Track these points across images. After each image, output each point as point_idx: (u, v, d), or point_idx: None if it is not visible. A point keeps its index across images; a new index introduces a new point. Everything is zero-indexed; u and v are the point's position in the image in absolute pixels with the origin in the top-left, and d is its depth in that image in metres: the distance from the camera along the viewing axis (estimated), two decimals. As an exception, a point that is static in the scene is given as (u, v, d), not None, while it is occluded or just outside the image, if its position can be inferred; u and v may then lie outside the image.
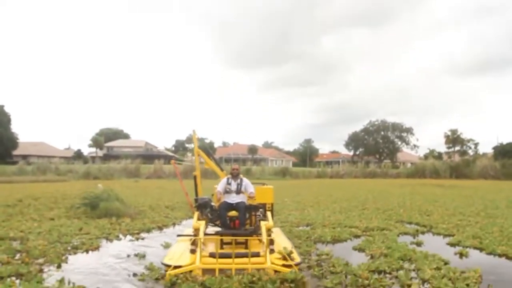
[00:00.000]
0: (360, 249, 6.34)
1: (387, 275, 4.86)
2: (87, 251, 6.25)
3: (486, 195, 16.94)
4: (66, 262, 5.46)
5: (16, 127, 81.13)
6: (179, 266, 4.62)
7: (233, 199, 6.01)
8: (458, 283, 4.41)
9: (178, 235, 6.36)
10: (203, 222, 5.59)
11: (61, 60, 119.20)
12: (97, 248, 6.46)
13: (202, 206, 5.98)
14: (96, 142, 65.42)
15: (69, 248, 6.30)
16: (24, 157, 53.36)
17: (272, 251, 4.91)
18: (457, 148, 55.43)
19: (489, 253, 6.10)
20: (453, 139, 54.80)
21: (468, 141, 55.35)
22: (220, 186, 6.17)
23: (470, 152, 54.01)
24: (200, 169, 7.24)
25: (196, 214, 5.90)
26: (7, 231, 7.45)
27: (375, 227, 8.27)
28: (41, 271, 4.99)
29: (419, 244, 6.77)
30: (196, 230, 5.43)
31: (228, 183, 6.16)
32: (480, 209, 11.58)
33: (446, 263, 5.32)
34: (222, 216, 5.83)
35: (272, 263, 4.67)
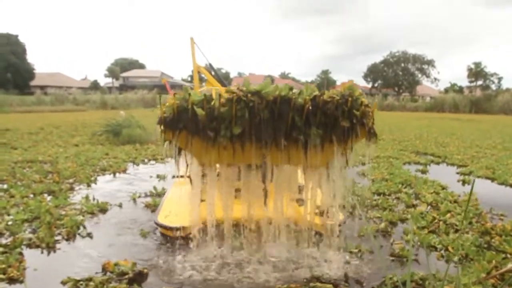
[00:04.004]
0: (363, 174, 6.57)
1: (388, 197, 5.10)
2: (114, 173, 6.57)
3: (505, 129, 16.75)
4: (95, 183, 5.80)
5: (32, 57, 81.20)
6: (180, 228, 3.34)
7: None
8: (459, 207, 4.60)
9: (174, 176, 4.60)
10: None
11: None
12: (124, 170, 6.78)
13: None
14: (112, 72, 65.41)
15: (97, 169, 6.66)
16: (42, 87, 53.93)
17: (301, 201, 3.23)
18: (480, 82, 53.78)
19: (501, 183, 6.21)
20: (476, 72, 53.01)
21: (492, 75, 53.54)
22: None
23: (493, 86, 52.44)
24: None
25: None
26: (36, 155, 7.83)
27: (387, 156, 8.42)
28: (71, 189, 5.35)
29: (423, 172, 6.98)
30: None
31: None
32: (498, 142, 11.53)
33: (444, 188, 5.55)
34: None
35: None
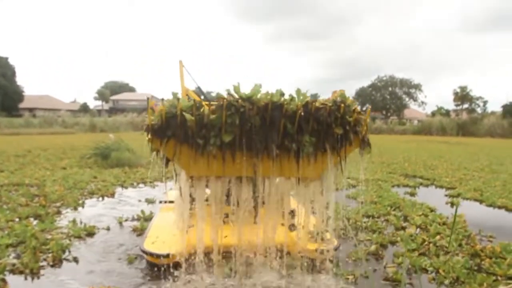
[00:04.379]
0: (352, 197, 6.57)
1: (377, 219, 5.11)
2: (102, 196, 6.48)
3: (492, 152, 17.01)
4: (83, 207, 5.70)
5: (21, 80, 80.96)
6: (167, 256, 3.14)
7: None
8: (448, 229, 4.61)
9: (161, 202, 4.67)
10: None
11: (67, 11, 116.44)
12: (112, 194, 6.68)
13: None
14: (102, 95, 65.36)
15: (85, 193, 6.56)
16: (30, 110, 53.65)
17: (293, 227, 3.24)
18: (466, 106, 54.79)
19: (489, 205, 6.26)
20: (462, 96, 54.02)
21: (477, 99, 54.55)
22: None
23: (479, 110, 53.42)
24: None
25: None
26: (22, 178, 7.70)
27: (376, 179, 8.46)
28: (58, 213, 5.25)
29: (412, 194, 7.03)
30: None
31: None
32: (485, 164, 11.68)
33: (432, 211, 5.58)
34: None
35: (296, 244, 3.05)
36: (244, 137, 2.39)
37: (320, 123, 2.43)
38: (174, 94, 2.42)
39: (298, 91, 2.44)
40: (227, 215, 3.05)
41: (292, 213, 3.18)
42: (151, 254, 3.23)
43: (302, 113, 2.38)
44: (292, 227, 3.21)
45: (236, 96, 2.37)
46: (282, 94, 2.40)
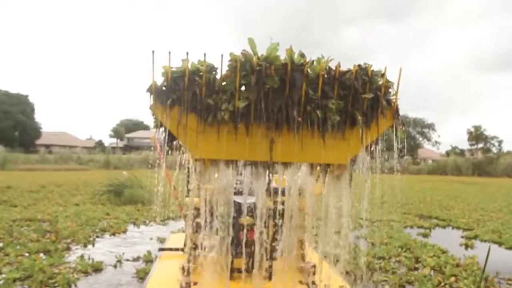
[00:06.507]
0: (362, 238, 6.39)
1: (389, 260, 4.99)
2: (114, 234, 6.46)
3: (509, 192, 16.60)
4: (93, 245, 5.68)
5: (39, 116, 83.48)
6: None
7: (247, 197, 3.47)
8: (464, 270, 4.46)
9: (161, 249, 3.95)
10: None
11: (85, 51, 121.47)
12: (124, 231, 6.67)
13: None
14: (117, 133, 66.56)
15: (97, 230, 6.56)
16: (47, 146, 54.73)
17: (313, 286, 2.75)
18: (480, 145, 54.14)
19: (509, 248, 6.04)
20: (476, 135, 53.49)
21: (492, 138, 53.91)
22: None
23: (494, 149, 52.70)
24: None
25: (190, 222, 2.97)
26: (35, 214, 7.76)
27: (390, 220, 8.27)
28: (68, 249, 5.25)
29: (425, 235, 6.85)
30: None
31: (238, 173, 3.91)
32: (503, 205, 11.38)
33: (444, 252, 5.43)
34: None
35: None
36: (261, 103, 2.02)
37: (347, 87, 2.08)
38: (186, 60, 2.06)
39: (319, 59, 2.09)
40: (239, 270, 2.61)
41: (313, 268, 2.75)
42: None
43: (326, 75, 2.06)
44: (312, 285, 2.70)
45: (251, 53, 2.02)
46: (303, 55, 2.05)
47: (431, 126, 65.47)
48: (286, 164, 2.19)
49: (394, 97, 2.18)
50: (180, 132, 2.05)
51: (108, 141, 69.44)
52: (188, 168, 2.94)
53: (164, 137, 2.10)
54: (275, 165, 2.16)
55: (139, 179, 11.16)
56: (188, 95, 2.01)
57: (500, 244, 6.29)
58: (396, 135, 2.26)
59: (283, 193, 2.33)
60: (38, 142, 56.97)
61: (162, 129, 2.10)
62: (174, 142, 2.18)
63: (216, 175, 2.23)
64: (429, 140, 65.84)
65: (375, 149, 2.27)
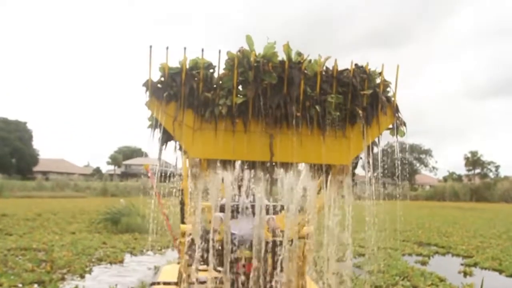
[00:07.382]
0: (359, 267, 6.36)
1: None
2: (111, 263, 6.39)
3: (508, 218, 16.54)
4: (90, 273, 5.62)
5: (37, 143, 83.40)
6: None
7: (243, 228, 3.14)
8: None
9: (153, 283, 3.65)
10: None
11: (82, 79, 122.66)
12: (121, 261, 6.60)
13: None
14: (115, 160, 66.38)
15: (93, 259, 6.48)
16: (44, 173, 54.37)
17: None
18: (478, 170, 54.24)
19: (510, 276, 6.00)
20: (473, 161, 53.68)
21: (489, 163, 54.14)
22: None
23: (491, 175, 52.78)
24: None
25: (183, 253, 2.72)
26: (30, 243, 7.67)
27: (387, 247, 8.20)
28: (63, 279, 5.19)
29: (423, 263, 6.81)
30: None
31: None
32: (502, 231, 11.33)
33: (442, 280, 5.39)
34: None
35: None
36: (259, 100, 1.95)
37: (345, 85, 2.03)
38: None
39: (318, 59, 2.08)
40: None
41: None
42: None
43: (324, 73, 2.03)
44: None
45: (249, 49, 1.99)
46: (300, 54, 2.01)
47: (428, 152, 65.77)
48: (285, 166, 2.14)
49: (394, 94, 2.16)
50: (176, 129, 1.98)
51: (106, 168, 69.19)
52: (182, 190, 3.01)
53: (159, 137, 2.03)
54: (274, 168, 2.09)
55: (137, 207, 11.08)
56: (185, 90, 1.96)
57: (500, 271, 6.24)
58: (396, 135, 2.25)
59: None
60: (36, 169, 56.62)
61: (157, 132, 2.05)
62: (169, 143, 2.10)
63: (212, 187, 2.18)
64: (426, 166, 66.03)
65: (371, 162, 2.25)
